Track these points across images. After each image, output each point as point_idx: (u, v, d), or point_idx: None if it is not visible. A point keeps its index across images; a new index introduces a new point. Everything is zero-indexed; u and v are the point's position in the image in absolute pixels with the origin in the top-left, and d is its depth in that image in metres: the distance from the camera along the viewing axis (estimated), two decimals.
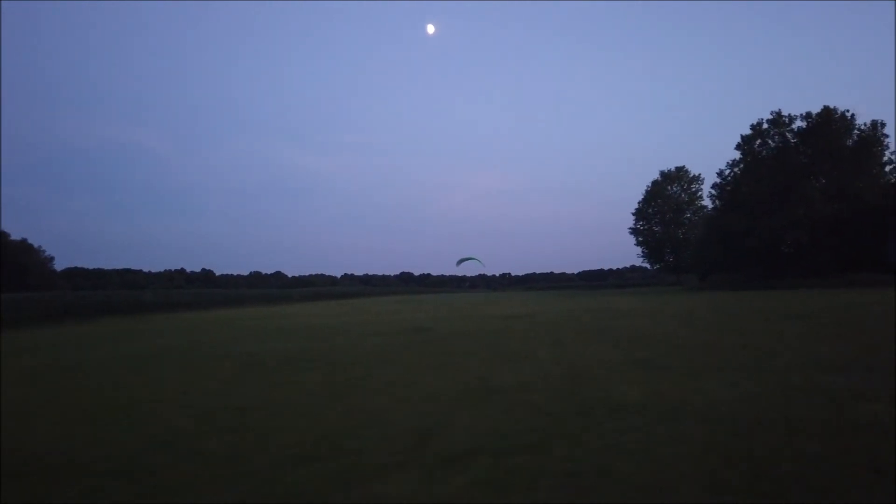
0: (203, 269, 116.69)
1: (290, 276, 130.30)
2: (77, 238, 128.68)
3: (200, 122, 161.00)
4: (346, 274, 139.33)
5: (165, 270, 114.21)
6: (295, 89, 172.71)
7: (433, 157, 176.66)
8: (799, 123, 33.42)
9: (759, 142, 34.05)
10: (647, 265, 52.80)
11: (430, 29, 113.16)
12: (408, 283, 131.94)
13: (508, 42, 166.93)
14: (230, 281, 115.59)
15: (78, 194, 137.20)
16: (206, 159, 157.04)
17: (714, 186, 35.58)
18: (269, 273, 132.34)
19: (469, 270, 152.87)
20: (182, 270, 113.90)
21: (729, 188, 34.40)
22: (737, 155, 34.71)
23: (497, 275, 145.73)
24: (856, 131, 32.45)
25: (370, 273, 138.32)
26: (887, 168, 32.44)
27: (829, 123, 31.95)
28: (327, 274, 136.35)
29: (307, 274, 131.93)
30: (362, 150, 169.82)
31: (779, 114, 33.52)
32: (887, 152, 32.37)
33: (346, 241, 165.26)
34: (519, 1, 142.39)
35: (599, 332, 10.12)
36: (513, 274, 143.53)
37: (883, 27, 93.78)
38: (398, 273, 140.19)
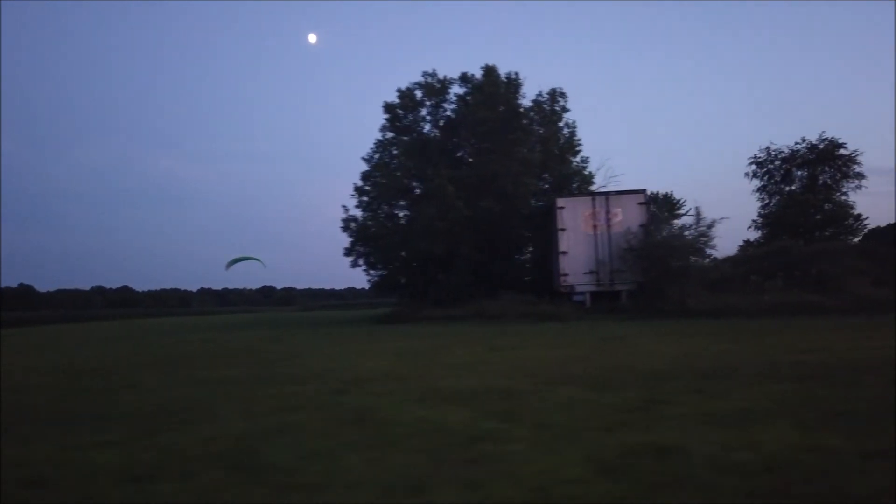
0: (21, 285, 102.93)
1: (139, 290, 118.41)
2: None
3: (50, 123, 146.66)
4: (202, 288, 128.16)
5: None
6: (168, 93, 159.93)
7: (318, 168, 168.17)
8: (458, 90, 23.86)
9: (411, 117, 24.26)
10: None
11: (312, 38, 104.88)
12: (268, 296, 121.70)
13: (392, 51, 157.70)
14: (52, 298, 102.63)
15: None
16: (53, 164, 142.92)
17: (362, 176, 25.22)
18: (114, 288, 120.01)
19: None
20: None
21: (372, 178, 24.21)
22: (390, 134, 24.49)
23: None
24: (526, 101, 23.03)
25: (230, 287, 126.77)
26: (576, 158, 23.33)
27: (493, 88, 22.43)
28: (182, 288, 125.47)
29: (158, 288, 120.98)
30: (242, 159, 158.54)
31: (433, 75, 23.83)
32: (566, 130, 23.23)
33: (213, 254, 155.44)
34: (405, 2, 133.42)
35: None
36: None
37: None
38: (259, 286, 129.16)
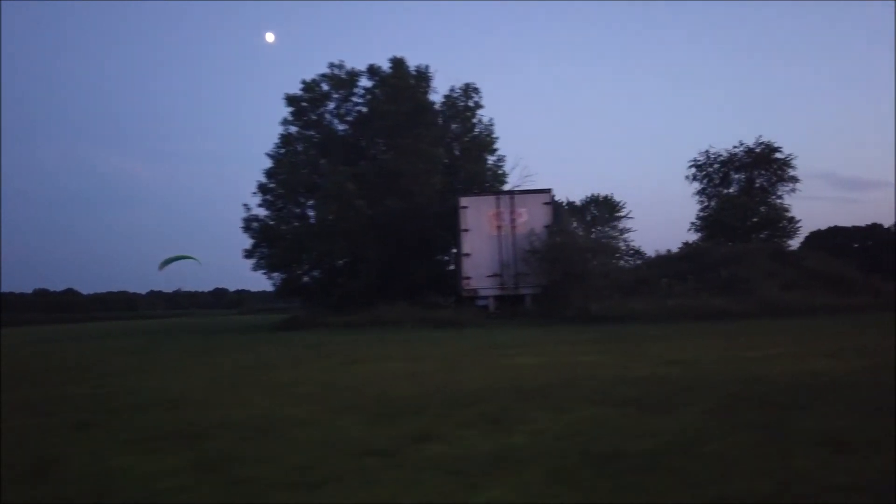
0: None
1: (84, 293, 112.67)
2: None
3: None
4: (152, 291, 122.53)
5: None
6: (119, 90, 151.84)
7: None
8: (366, 83, 22.70)
9: (320, 110, 22.94)
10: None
11: (270, 37, 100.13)
12: (221, 298, 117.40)
13: (348, 50, 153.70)
14: None
15: None
16: None
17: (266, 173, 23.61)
18: (58, 291, 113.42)
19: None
20: None
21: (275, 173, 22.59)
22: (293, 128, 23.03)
23: None
24: (438, 97, 22.09)
25: (184, 289, 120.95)
26: (493, 157, 22.51)
27: (400, 81, 21.38)
28: (130, 291, 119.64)
29: (105, 291, 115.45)
30: (194, 158, 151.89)
31: (340, 67, 22.54)
32: (482, 127, 22.43)
33: (164, 255, 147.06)
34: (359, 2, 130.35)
35: None
36: None
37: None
38: (212, 289, 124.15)
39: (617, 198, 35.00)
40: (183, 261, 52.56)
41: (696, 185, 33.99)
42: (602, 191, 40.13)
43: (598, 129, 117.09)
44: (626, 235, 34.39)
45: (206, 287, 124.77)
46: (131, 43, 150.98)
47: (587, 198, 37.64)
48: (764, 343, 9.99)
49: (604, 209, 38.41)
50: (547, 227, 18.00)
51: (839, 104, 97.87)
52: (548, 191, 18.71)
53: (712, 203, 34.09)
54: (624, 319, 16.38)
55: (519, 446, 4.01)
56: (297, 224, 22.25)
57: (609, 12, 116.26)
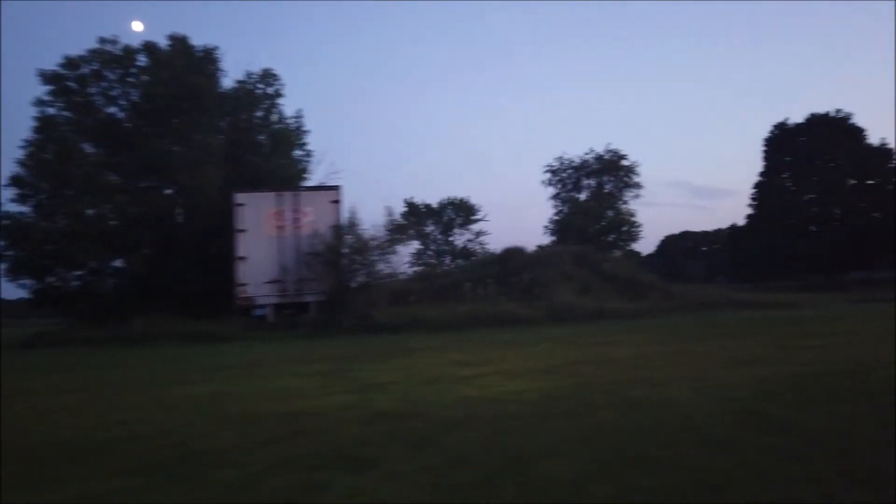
0: None
1: None
2: None
3: None
4: (21, 297, 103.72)
5: None
6: None
7: None
8: (143, 60, 19.87)
9: (92, 90, 19.56)
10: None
11: (138, 27, 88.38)
12: None
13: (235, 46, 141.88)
14: None
15: None
16: None
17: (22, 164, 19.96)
18: None
19: None
20: None
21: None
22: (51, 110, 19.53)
23: None
24: (233, 81, 19.94)
25: (5, 297, 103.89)
26: (299, 153, 20.77)
27: (176, 60, 18.80)
28: None
29: None
30: None
31: (114, 42, 19.27)
32: (291, 119, 20.69)
33: None
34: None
35: None
36: None
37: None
38: None
39: (474, 201, 35.22)
40: None
41: (552, 190, 35.11)
42: (462, 194, 40.22)
43: (464, 133, 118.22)
44: (481, 238, 34.95)
45: None
46: None
47: (443, 201, 37.45)
48: (504, 357, 9.15)
49: (459, 212, 38.31)
50: (333, 227, 16.53)
51: (695, 117, 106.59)
52: (336, 188, 17.25)
53: (565, 207, 35.43)
54: (412, 327, 15.38)
55: None
56: (65, 222, 18.87)
57: (479, 16, 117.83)
